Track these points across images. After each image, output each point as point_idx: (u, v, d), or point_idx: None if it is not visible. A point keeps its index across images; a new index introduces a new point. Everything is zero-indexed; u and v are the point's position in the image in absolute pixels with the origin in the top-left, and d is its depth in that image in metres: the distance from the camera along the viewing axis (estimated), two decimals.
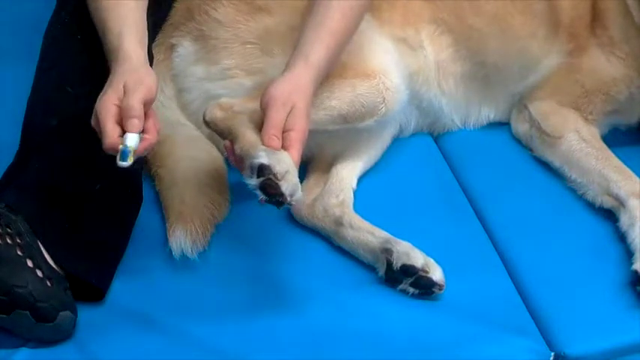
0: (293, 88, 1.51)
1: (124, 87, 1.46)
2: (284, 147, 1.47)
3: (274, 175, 1.41)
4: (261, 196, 1.43)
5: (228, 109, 1.57)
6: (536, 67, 1.95)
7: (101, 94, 1.47)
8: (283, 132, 1.48)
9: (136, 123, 1.44)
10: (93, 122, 1.47)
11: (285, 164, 1.43)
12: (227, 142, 1.51)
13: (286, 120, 1.48)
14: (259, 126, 1.49)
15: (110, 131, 1.43)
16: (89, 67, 1.61)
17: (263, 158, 1.42)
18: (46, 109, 1.62)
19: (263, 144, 1.46)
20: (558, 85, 1.95)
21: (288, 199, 1.42)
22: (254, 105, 1.54)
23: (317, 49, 1.57)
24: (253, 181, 1.43)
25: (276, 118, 1.48)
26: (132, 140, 1.43)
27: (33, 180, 1.57)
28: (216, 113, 1.56)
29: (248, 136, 1.49)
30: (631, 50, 1.91)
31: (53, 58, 1.66)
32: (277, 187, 1.41)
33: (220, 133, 1.55)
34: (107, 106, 1.45)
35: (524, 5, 1.92)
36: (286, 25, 1.72)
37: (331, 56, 1.59)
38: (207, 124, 1.58)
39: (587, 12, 1.93)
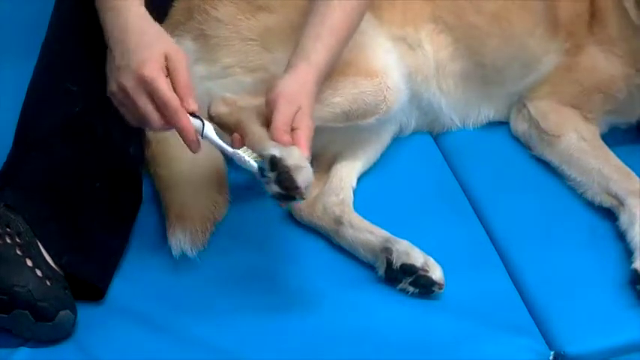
0: (299, 87, 1.52)
1: (166, 56, 1.45)
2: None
3: (288, 167, 1.41)
4: (275, 189, 1.42)
5: (232, 104, 1.57)
6: (535, 66, 1.95)
7: (135, 60, 1.44)
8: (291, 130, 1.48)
9: (194, 102, 1.45)
10: (135, 91, 1.44)
11: (296, 157, 1.42)
12: (237, 135, 1.51)
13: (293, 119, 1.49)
14: (264, 123, 1.50)
15: (186, 118, 1.44)
16: (90, 66, 1.61)
17: (275, 151, 1.42)
18: (45, 108, 1.62)
19: (273, 140, 1.46)
20: (557, 83, 1.95)
21: (304, 191, 1.42)
22: (258, 101, 1.54)
23: (319, 50, 1.57)
24: (269, 175, 1.42)
25: (285, 114, 1.48)
26: (212, 132, 1.45)
27: (32, 179, 1.57)
28: (220, 108, 1.56)
29: (257, 131, 1.49)
30: (629, 48, 1.91)
31: (53, 57, 1.66)
32: (292, 180, 1.41)
33: (225, 127, 1.55)
34: (161, 76, 1.43)
35: (524, 4, 1.92)
36: (287, 22, 1.72)
37: (332, 56, 1.59)
38: (211, 118, 1.57)
39: (585, 10, 1.93)
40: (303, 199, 1.44)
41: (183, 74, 1.46)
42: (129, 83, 1.44)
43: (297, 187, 1.41)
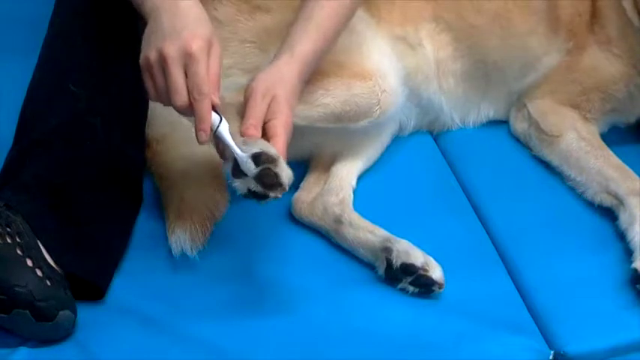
0: (274, 79, 1.52)
1: (210, 42, 1.43)
2: (269, 135, 1.47)
3: (270, 164, 1.40)
4: (254, 186, 1.41)
5: (221, 101, 1.57)
6: (535, 65, 1.95)
7: (188, 32, 1.42)
8: (266, 122, 1.48)
9: (218, 97, 1.44)
10: (174, 61, 1.41)
11: (275, 155, 1.42)
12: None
13: (268, 110, 1.49)
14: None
15: (209, 106, 1.43)
16: (91, 65, 1.61)
17: (256, 148, 1.42)
18: (45, 108, 1.61)
19: (241, 134, 1.46)
20: (557, 83, 1.95)
21: (287, 188, 1.42)
22: (241, 97, 1.54)
23: (303, 43, 1.57)
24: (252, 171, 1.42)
25: (254, 108, 1.48)
26: (227, 131, 1.43)
27: (32, 179, 1.57)
28: None
29: (235, 128, 1.49)
30: (628, 48, 1.91)
31: (54, 57, 1.66)
32: (277, 176, 1.40)
33: None
34: (206, 58, 1.42)
35: (525, 3, 1.92)
36: (285, 24, 1.71)
37: (318, 50, 1.59)
38: None
39: (586, 10, 1.94)
40: (278, 197, 1.43)
41: (218, 66, 1.45)
42: (172, 52, 1.42)
43: (280, 184, 1.41)
